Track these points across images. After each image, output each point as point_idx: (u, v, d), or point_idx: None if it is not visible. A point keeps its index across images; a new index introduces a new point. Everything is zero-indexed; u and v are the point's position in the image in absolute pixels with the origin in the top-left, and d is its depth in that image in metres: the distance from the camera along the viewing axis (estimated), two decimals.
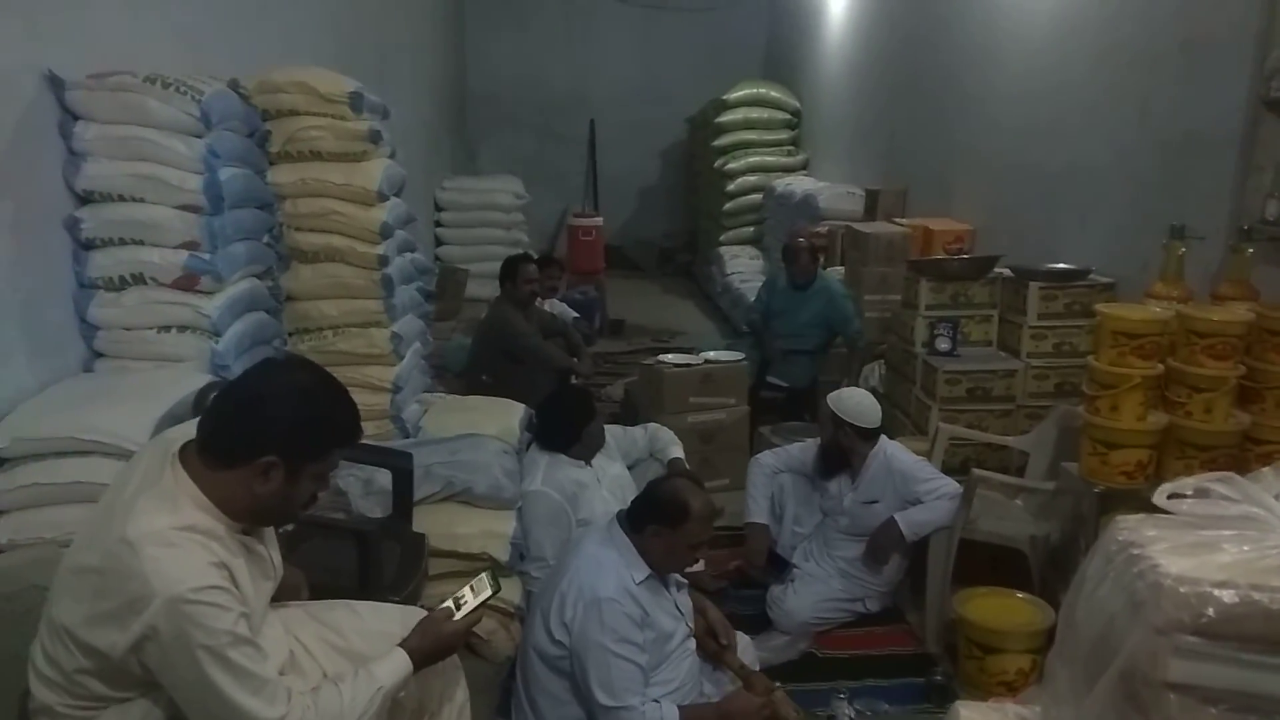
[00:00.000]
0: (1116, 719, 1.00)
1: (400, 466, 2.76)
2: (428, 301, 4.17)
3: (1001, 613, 3.01)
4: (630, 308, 8.13)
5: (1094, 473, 2.88)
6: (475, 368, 4.93)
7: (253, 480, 1.59)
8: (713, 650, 2.69)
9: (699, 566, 3.27)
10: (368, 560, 2.34)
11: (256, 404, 1.60)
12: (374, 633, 1.90)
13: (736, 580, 3.57)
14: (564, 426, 3.27)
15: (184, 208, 2.67)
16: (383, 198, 3.22)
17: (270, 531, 1.78)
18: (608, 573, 2.46)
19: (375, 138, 3.24)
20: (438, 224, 7.93)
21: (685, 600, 2.70)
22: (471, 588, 1.89)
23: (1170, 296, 3.06)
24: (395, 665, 1.74)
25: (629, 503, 3.32)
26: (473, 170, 9.12)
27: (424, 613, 2.02)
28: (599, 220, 8.53)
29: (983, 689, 2.96)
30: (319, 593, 2.09)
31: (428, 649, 1.80)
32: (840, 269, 5.80)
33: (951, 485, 3.28)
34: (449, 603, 1.88)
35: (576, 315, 5.87)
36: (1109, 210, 4.10)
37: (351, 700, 1.64)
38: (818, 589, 3.35)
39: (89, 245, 2.66)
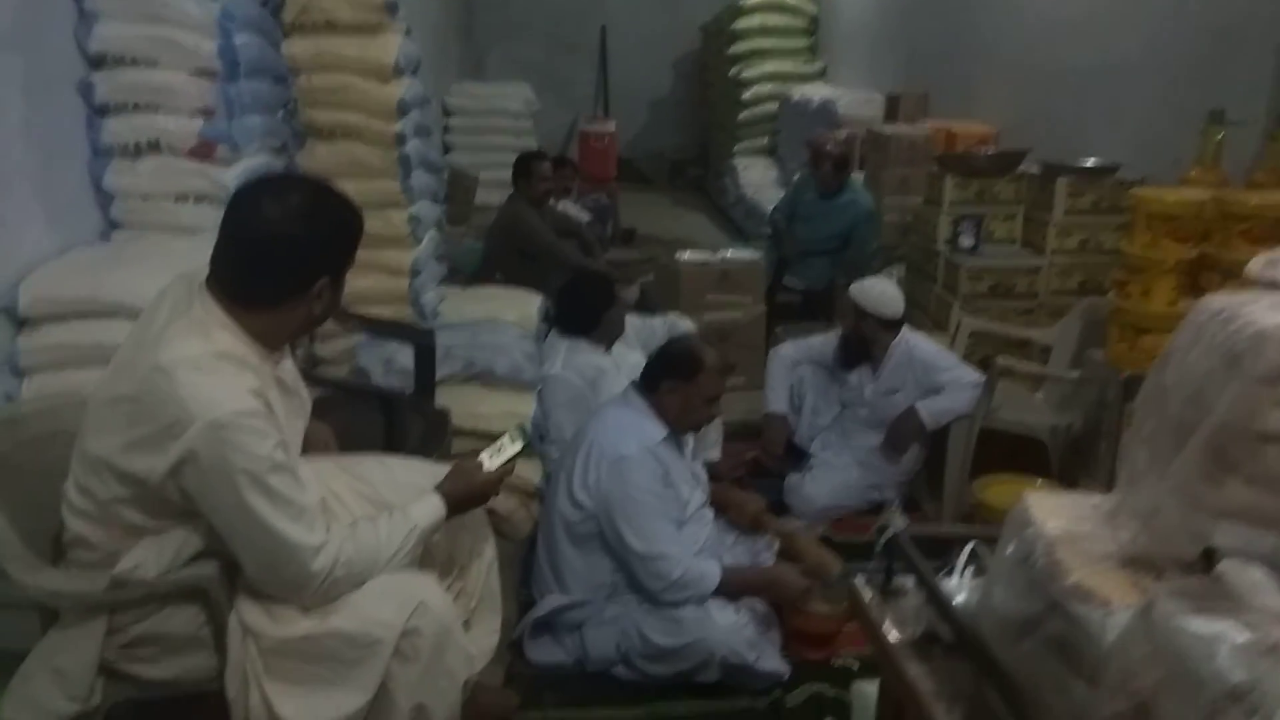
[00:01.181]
0: (1204, 481, 0.98)
1: (422, 342, 2.74)
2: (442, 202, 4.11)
3: (1017, 500, 3.00)
4: (641, 219, 8.03)
5: (1121, 359, 2.85)
6: (488, 268, 4.89)
7: (310, 305, 1.59)
8: (753, 513, 2.74)
9: (715, 454, 3.28)
10: (393, 426, 2.33)
11: (291, 242, 1.56)
12: (404, 484, 1.89)
13: (753, 470, 3.57)
14: (584, 311, 3.24)
15: (199, 73, 2.60)
16: (399, 73, 3.14)
17: (294, 368, 1.76)
18: (628, 433, 2.47)
19: (392, 9, 3.14)
20: (446, 130, 7.80)
21: (700, 468, 2.72)
22: (502, 442, 1.89)
23: (1206, 182, 3.00)
24: (429, 507, 1.74)
25: None
26: (481, 77, 8.93)
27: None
28: (611, 126, 8.38)
29: None
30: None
31: (460, 494, 1.80)
32: (860, 174, 5.70)
33: (974, 374, 3.26)
34: (481, 455, 1.87)
35: (590, 217, 5.78)
36: (1139, 106, 4.00)
37: (388, 536, 1.65)
38: (835, 477, 3.36)
39: (103, 110, 2.60)
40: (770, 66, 8.44)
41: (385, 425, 2.36)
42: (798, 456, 3.50)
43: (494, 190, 6.68)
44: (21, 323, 2.27)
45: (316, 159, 3.23)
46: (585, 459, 2.46)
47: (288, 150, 3.11)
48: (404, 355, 2.94)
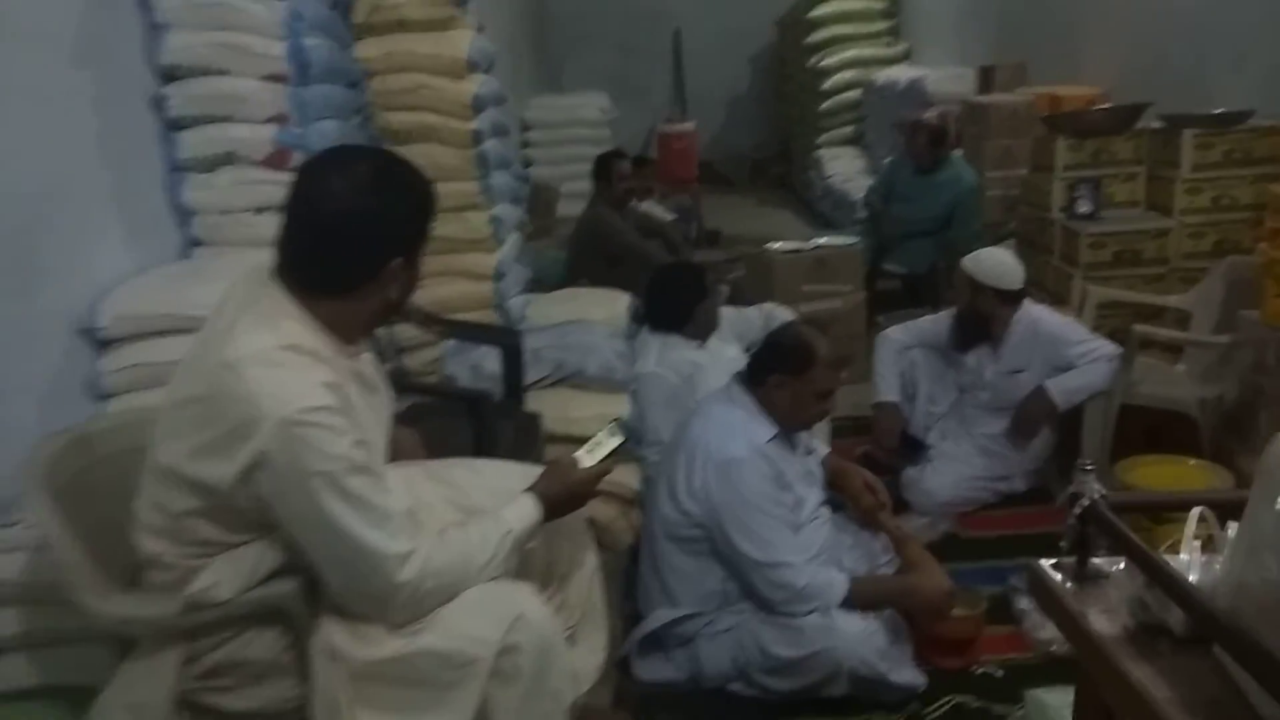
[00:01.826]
0: None
1: (509, 343, 2.60)
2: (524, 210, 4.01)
3: (1171, 481, 2.71)
4: (725, 220, 7.85)
5: None
6: (572, 276, 4.76)
7: (385, 289, 1.46)
8: (868, 505, 2.47)
9: (822, 449, 3.05)
10: (483, 432, 2.19)
11: (362, 221, 1.42)
12: (497, 489, 1.74)
13: (866, 466, 3.31)
14: (675, 305, 3.06)
15: (270, 78, 2.52)
16: (473, 68, 3.03)
17: (375, 364, 1.63)
18: (735, 433, 2.27)
19: (461, 2, 3.03)
20: (525, 144, 7.77)
21: (815, 464, 2.49)
22: (598, 438, 1.72)
23: None
24: (524, 510, 1.59)
25: None
26: (557, 89, 8.89)
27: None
28: (690, 126, 8.22)
29: None
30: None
31: (557, 494, 1.64)
32: (959, 151, 5.40)
33: (1109, 346, 2.97)
34: (578, 453, 1.71)
35: (674, 216, 5.62)
36: (1267, 46, 3.64)
37: (480, 542, 1.50)
38: (958, 468, 3.10)
39: (177, 125, 2.54)
40: (851, 52, 8.16)
41: (474, 431, 2.23)
42: (914, 448, 3.24)
43: (575, 202, 6.61)
44: (103, 344, 2.21)
45: None
46: (689, 462, 2.27)
47: None
48: (491, 360, 2.81)
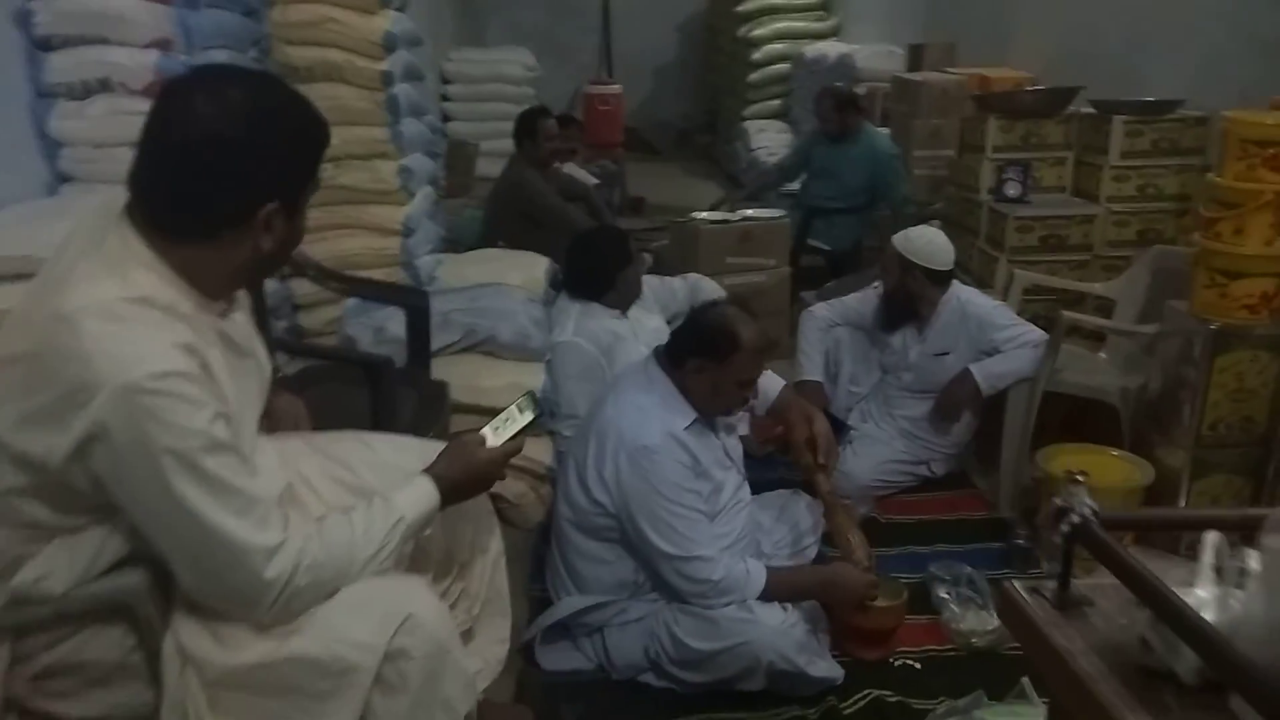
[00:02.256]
0: None
1: (416, 305, 2.40)
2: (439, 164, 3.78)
3: (1093, 471, 2.66)
4: (648, 188, 7.68)
5: (1210, 308, 2.50)
6: (490, 236, 4.55)
7: (256, 238, 1.24)
8: (805, 464, 2.34)
9: (742, 427, 2.93)
10: (381, 400, 2.00)
11: (229, 153, 1.21)
12: (390, 466, 1.56)
13: (784, 446, 3.21)
14: (597, 271, 2.89)
15: None
16: (386, 3, 2.79)
17: (249, 324, 1.43)
18: (649, 418, 2.11)
19: None
20: (444, 98, 7.46)
21: (735, 445, 2.37)
22: (508, 413, 1.55)
23: None
24: (419, 494, 1.41)
25: None
26: (480, 43, 8.57)
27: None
28: (618, 89, 8.00)
29: None
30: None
31: (458, 478, 1.46)
32: (885, 130, 5.34)
33: (1035, 332, 2.92)
34: (484, 430, 1.53)
35: (597, 180, 5.43)
36: (1201, 36, 3.63)
37: (365, 532, 1.31)
38: (878, 451, 3.02)
39: (45, 44, 2.27)
40: (781, 24, 8.06)
41: (373, 401, 2.03)
42: (835, 429, 3.13)
43: (495, 161, 6.37)
44: None
45: None
46: (600, 448, 2.11)
47: None
48: (396, 323, 2.61)
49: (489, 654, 1.73)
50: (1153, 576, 0.95)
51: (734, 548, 2.17)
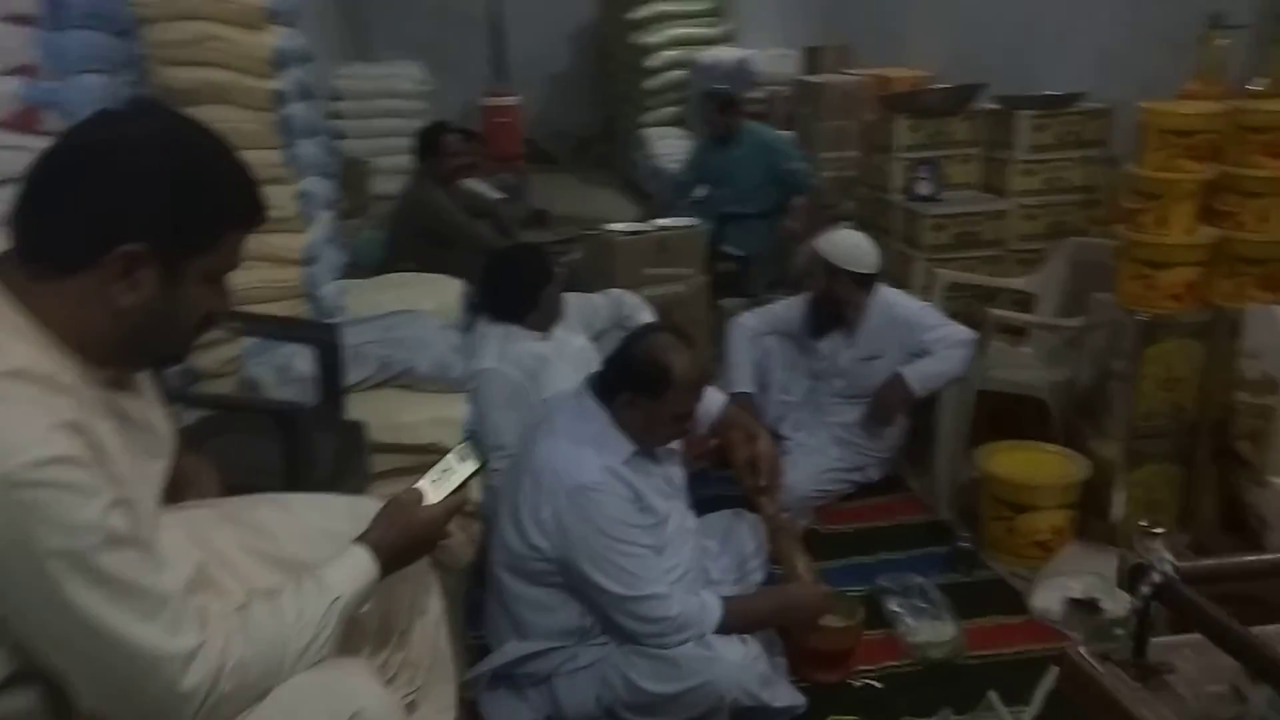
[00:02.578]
0: None
1: (325, 340, 2.22)
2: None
3: (1030, 467, 2.67)
4: (551, 200, 7.55)
5: (1137, 299, 2.52)
6: (394, 258, 4.35)
7: (109, 286, 1.05)
8: (748, 487, 2.24)
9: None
10: (296, 451, 1.82)
11: (97, 164, 1.04)
12: (316, 532, 1.40)
13: (719, 460, 3.12)
14: (518, 291, 2.74)
15: (13, 18, 2.02)
16: (273, 18, 2.59)
17: (153, 395, 1.25)
18: (586, 455, 1.97)
19: None
20: (334, 116, 7.18)
21: (676, 471, 2.26)
22: (446, 462, 1.40)
23: (1209, 96, 2.67)
24: (354, 567, 1.25)
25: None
26: (368, 57, 8.29)
27: (380, 503, 1.52)
28: (515, 99, 7.83)
29: (1012, 551, 2.64)
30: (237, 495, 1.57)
31: (397, 543, 1.30)
32: (789, 133, 5.33)
33: (964, 331, 2.90)
34: (421, 482, 1.38)
35: (503, 195, 5.27)
36: (1096, 28, 3.70)
37: (297, 619, 1.15)
38: (814, 460, 2.95)
39: None
40: (675, 30, 8.02)
41: (285, 453, 1.84)
42: None
43: (391, 179, 6.21)
44: None
45: None
46: (536, 489, 1.97)
47: None
48: (302, 360, 2.42)
49: None
50: (1254, 638, 0.84)
51: (684, 579, 2.06)
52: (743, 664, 1.89)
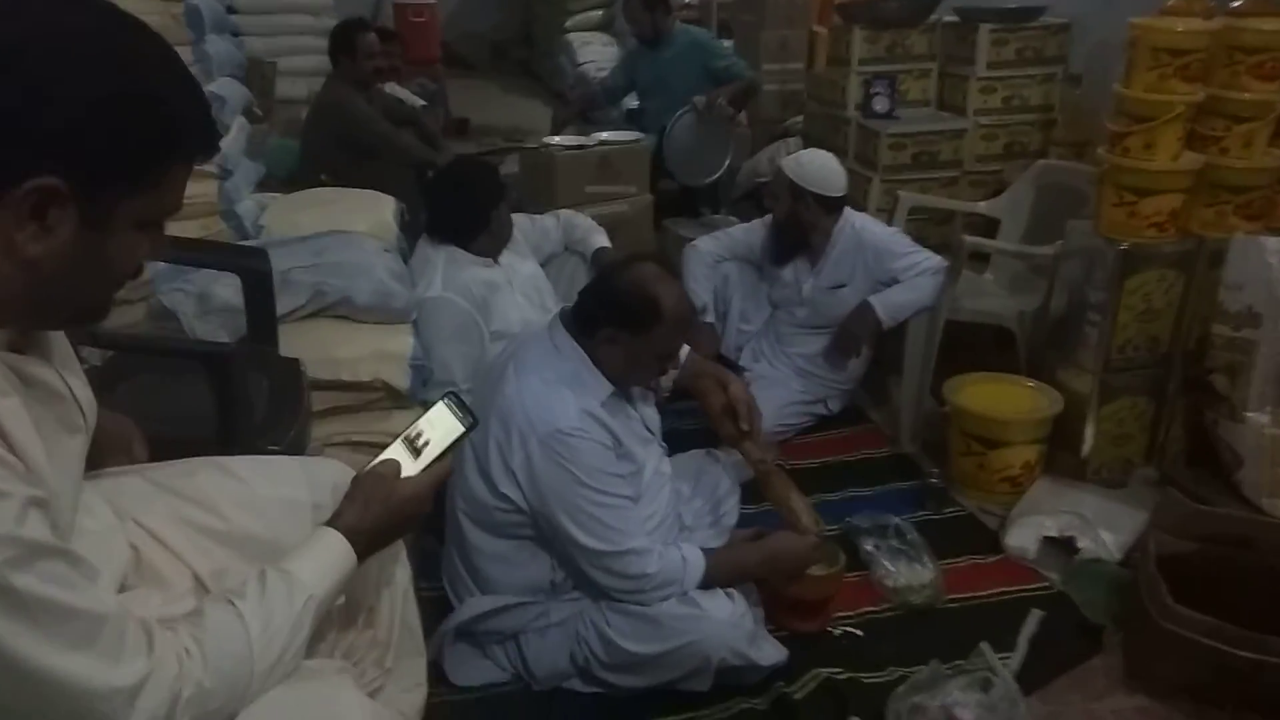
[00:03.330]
0: None
1: (253, 267, 1.95)
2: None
3: (1000, 401, 2.58)
4: (470, 108, 7.14)
5: (1118, 228, 2.42)
6: (309, 169, 4.00)
7: (13, 230, 0.81)
8: (728, 435, 2.09)
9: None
10: (227, 396, 1.58)
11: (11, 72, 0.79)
12: (268, 501, 1.19)
13: (675, 392, 2.95)
14: (467, 211, 2.49)
15: None
16: None
17: (65, 352, 1.01)
18: (562, 397, 1.78)
19: None
20: (230, 10, 6.60)
21: (652, 413, 2.09)
22: (426, 422, 1.19)
23: (1192, 13, 2.54)
24: (328, 557, 1.05)
25: (546, 306, 2.68)
26: None
27: (338, 464, 1.32)
28: None
29: (982, 488, 2.57)
30: (163, 450, 1.34)
31: (377, 525, 1.10)
32: (725, 41, 5.07)
33: (935, 259, 2.77)
34: (395, 447, 1.17)
35: (424, 103, 4.91)
36: None
37: (264, 629, 0.95)
38: (776, 393, 2.82)
39: None
40: None
41: (217, 402, 1.60)
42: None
43: (296, 81, 5.73)
44: None
45: None
46: (505, 434, 1.78)
47: None
48: (224, 286, 2.15)
49: (405, 704, 1.40)
50: None
51: (661, 528, 1.92)
52: (731, 621, 1.76)
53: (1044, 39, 3.47)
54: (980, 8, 3.49)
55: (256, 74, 6.17)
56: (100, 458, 1.21)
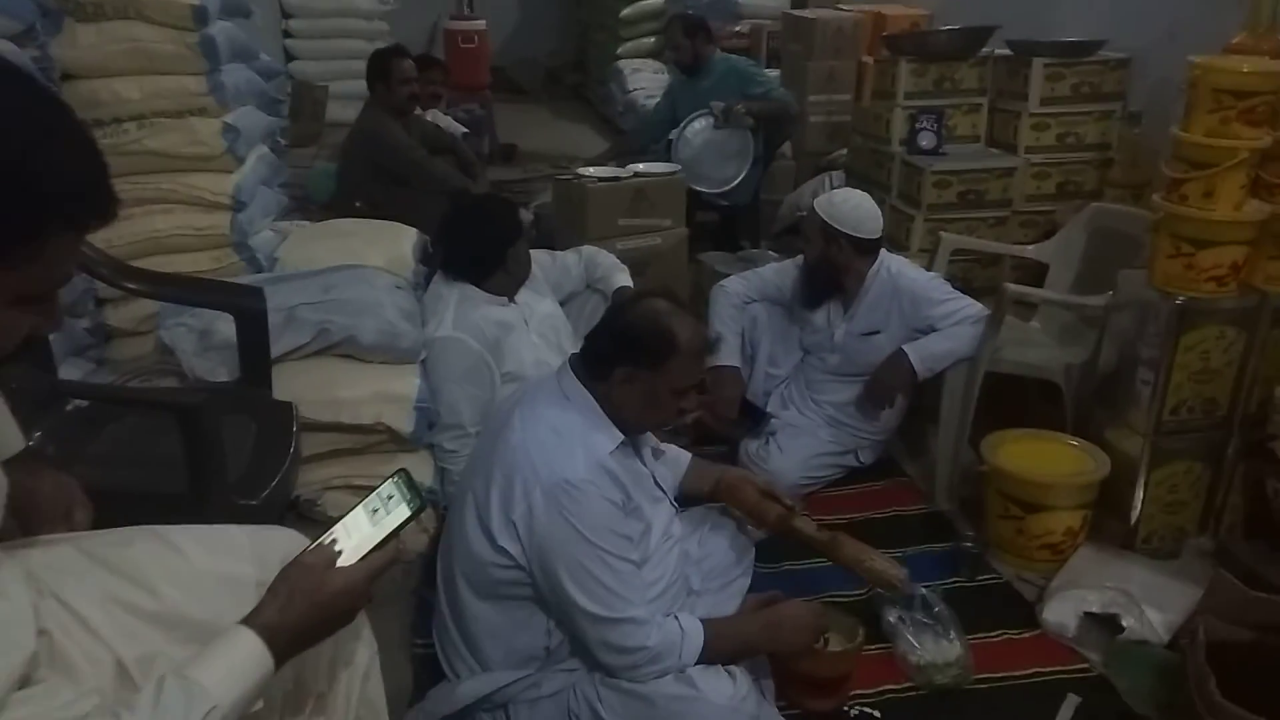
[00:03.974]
0: None
1: (247, 307, 1.88)
2: (279, 115, 3.20)
3: (1042, 461, 2.41)
4: (519, 133, 7.13)
5: (1173, 280, 2.24)
6: (345, 195, 3.98)
7: None
8: (777, 518, 2.00)
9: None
10: (198, 449, 1.50)
11: None
12: (209, 578, 1.10)
13: (698, 437, 2.82)
14: (482, 249, 2.41)
15: None
16: None
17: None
18: (570, 445, 1.69)
19: None
20: (286, 34, 6.69)
21: (664, 471, 1.98)
22: (374, 496, 1.09)
23: (1260, 52, 2.37)
24: (237, 662, 0.94)
25: (563, 347, 2.58)
26: None
27: (290, 535, 1.22)
28: (481, 24, 7.34)
29: (1021, 554, 2.40)
30: (127, 507, 1.26)
31: (300, 623, 0.99)
32: (772, 71, 4.96)
33: (975, 306, 2.61)
34: (336, 530, 1.07)
35: (465, 130, 4.87)
36: None
37: None
38: (806, 443, 2.69)
39: None
40: None
41: (185, 443, 1.52)
42: (754, 417, 2.79)
43: (348, 105, 5.78)
44: None
45: (80, 48, 2.28)
46: (508, 483, 1.68)
47: (36, 37, 2.15)
48: (228, 324, 2.09)
49: None
50: None
51: (665, 596, 1.80)
52: (729, 706, 1.63)
53: (1102, 74, 3.29)
54: (1034, 41, 3.33)
55: (308, 98, 6.27)
56: (36, 524, 1.14)
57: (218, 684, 0.91)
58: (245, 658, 0.95)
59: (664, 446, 2.05)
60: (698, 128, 4.19)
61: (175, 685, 0.89)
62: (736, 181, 4.14)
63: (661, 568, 1.82)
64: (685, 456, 2.12)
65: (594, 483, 1.65)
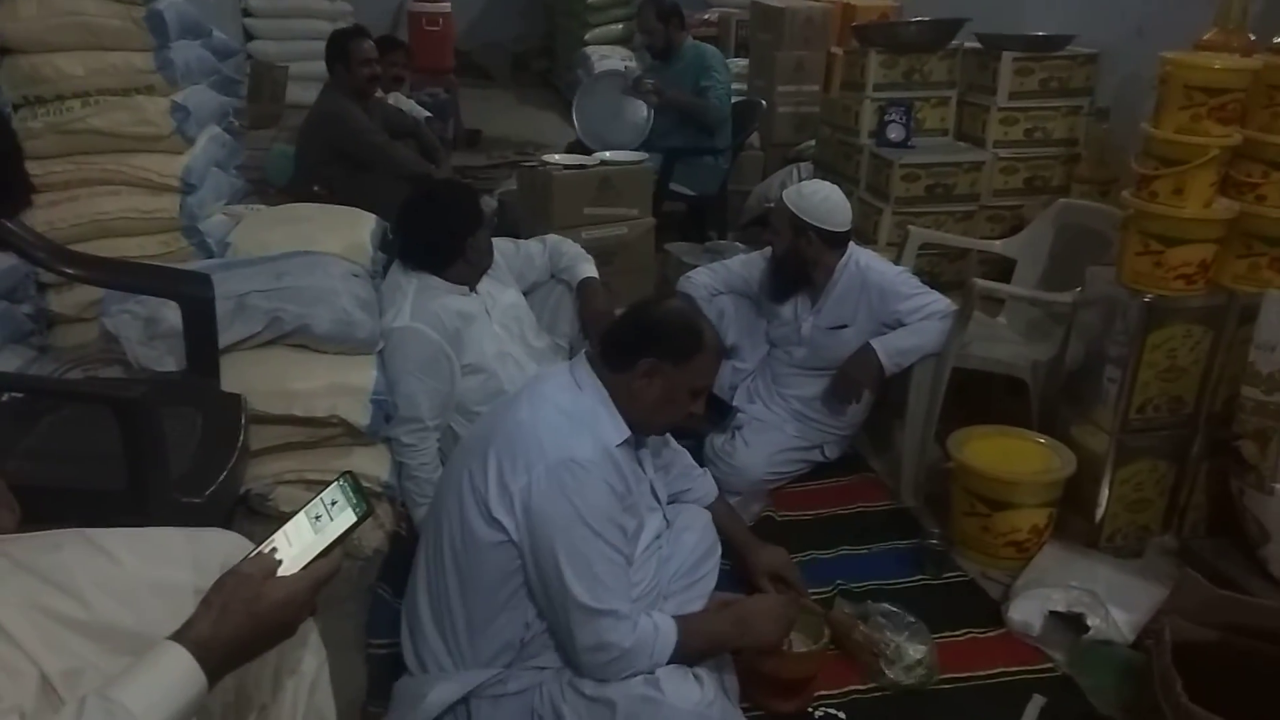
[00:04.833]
0: None
1: (193, 295, 1.80)
2: (235, 95, 3.10)
3: (1008, 458, 2.40)
4: (485, 119, 7.03)
5: (1142, 278, 2.23)
6: (303, 179, 3.87)
7: None
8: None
9: None
10: (137, 445, 1.42)
11: None
12: (142, 585, 1.04)
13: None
14: (442, 237, 2.33)
15: None
16: None
17: None
18: (579, 427, 1.67)
19: None
20: (246, 13, 6.53)
21: (661, 481, 1.95)
22: (311, 509, 1.02)
23: (1230, 49, 2.36)
24: (166, 679, 0.87)
25: (527, 338, 2.53)
26: None
27: (232, 538, 1.16)
28: (446, 7, 7.21)
29: (986, 551, 2.39)
30: (64, 505, 1.18)
31: (235, 638, 0.92)
32: (740, 60, 4.93)
33: (943, 302, 2.58)
34: (277, 537, 1.00)
35: (428, 114, 4.78)
36: None
37: None
38: (771, 438, 2.65)
39: None
40: None
41: (124, 438, 1.45)
42: (719, 411, 2.74)
43: (309, 86, 5.63)
44: None
45: (21, 20, 2.17)
46: (510, 456, 1.63)
47: None
48: (174, 311, 2.00)
49: None
50: None
51: (643, 600, 1.76)
52: (695, 711, 1.58)
53: (1070, 69, 3.28)
54: (1004, 35, 3.31)
55: (267, 78, 6.11)
56: None
57: (144, 705, 0.84)
58: (175, 676, 0.88)
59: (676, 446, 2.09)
60: (608, 84, 4.29)
61: (97, 707, 0.83)
62: (619, 152, 3.97)
63: (643, 571, 1.79)
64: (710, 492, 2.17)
65: (598, 465, 1.63)
